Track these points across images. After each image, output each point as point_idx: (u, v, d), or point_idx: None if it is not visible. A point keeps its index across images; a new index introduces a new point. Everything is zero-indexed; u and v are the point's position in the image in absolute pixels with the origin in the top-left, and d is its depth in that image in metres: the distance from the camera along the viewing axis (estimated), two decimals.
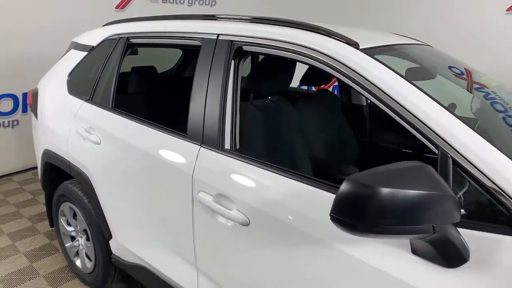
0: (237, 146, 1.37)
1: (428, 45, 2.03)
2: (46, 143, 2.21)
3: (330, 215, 0.78)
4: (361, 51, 1.11)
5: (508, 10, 4.03)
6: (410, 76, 1.68)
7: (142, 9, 4.64)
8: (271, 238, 1.15)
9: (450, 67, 1.66)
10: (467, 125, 0.91)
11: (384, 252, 0.93)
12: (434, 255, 0.84)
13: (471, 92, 1.58)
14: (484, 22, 4.21)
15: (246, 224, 1.19)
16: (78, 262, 2.25)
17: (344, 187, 0.76)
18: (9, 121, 3.77)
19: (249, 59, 1.99)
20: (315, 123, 1.90)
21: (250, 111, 1.61)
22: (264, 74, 1.66)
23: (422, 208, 0.76)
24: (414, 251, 0.88)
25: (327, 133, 1.94)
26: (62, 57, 2.37)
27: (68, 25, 3.48)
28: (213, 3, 5.13)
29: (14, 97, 3.71)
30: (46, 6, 3.62)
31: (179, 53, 3.46)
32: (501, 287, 0.79)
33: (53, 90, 2.24)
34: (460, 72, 1.64)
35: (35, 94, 2.38)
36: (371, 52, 1.12)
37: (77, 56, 2.18)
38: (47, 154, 2.18)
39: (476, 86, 1.62)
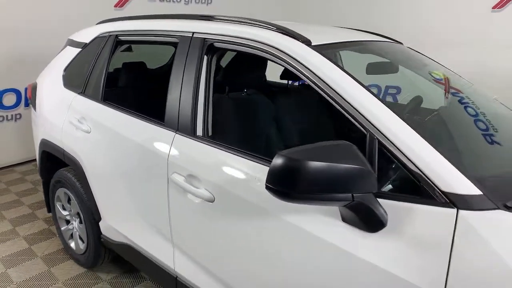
0: (209, 133, 1.52)
1: (399, 42, 2.17)
2: (43, 133, 2.37)
3: (265, 184, 0.93)
4: (311, 47, 1.25)
5: (494, 7, 4.13)
6: (370, 70, 1.83)
7: (140, 7, 4.80)
8: (232, 213, 1.30)
9: (411, 62, 1.79)
10: (393, 111, 1.05)
11: (321, 221, 1.07)
12: (358, 222, 0.99)
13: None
14: (471, 19, 4.31)
15: (211, 200, 1.34)
16: (72, 244, 2.41)
17: (276, 161, 0.91)
18: (12, 115, 3.95)
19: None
20: (290, 115, 2.04)
21: (225, 102, 1.76)
22: (236, 69, 1.81)
23: (343, 179, 0.90)
24: (344, 219, 1.02)
25: (302, 125, 2.08)
26: (59, 53, 2.53)
27: (69, 24, 3.63)
28: (209, 1, 5.27)
29: (17, 92, 3.89)
30: (48, 6, 3.79)
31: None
32: (413, 245, 0.93)
33: (50, 84, 2.41)
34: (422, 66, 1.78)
35: (34, 88, 2.55)
36: (321, 48, 1.26)
37: (72, 52, 2.34)
38: (44, 143, 2.35)
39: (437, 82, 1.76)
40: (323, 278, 1.09)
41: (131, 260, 1.97)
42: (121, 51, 2.97)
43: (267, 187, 0.93)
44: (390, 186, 1.04)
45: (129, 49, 3.07)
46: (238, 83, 1.79)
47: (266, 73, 2.17)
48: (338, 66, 1.17)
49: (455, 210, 0.89)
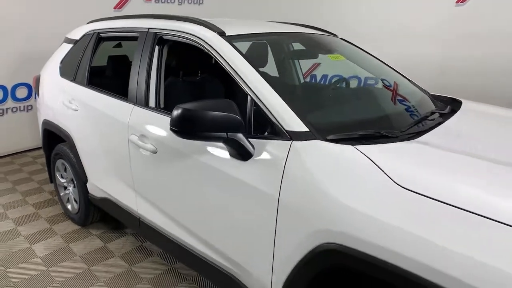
0: (161, 106, 1.99)
1: (334, 35, 2.60)
2: (44, 114, 2.90)
3: (170, 128, 1.39)
4: (223, 37, 1.71)
5: (457, 2, 4.46)
6: (294, 55, 2.27)
7: (137, 8, 5.32)
8: (169, 159, 1.77)
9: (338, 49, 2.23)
10: (266, 81, 1.49)
11: (217, 158, 1.53)
12: (235, 154, 1.44)
13: None
14: (435, 14, 4.65)
15: (155, 152, 1.81)
16: (69, 206, 2.94)
17: (174, 111, 1.36)
18: (24, 106, 4.54)
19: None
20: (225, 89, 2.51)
21: (179, 83, 2.23)
22: (181, 58, 2.28)
23: (221, 123, 1.36)
24: (230, 154, 1.48)
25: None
26: (58, 49, 3.05)
27: (72, 25, 4.15)
28: (201, 1, 5.75)
29: (28, 86, 4.46)
30: (53, 10, 4.34)
31: None
32: (268, 166, 1.37)
33: (49, 74, 2.93)
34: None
35: (37, 79, 3.08)
36: (231, 37, 1.71)
37: (66, 47, 2.86)
38: (45, 122, 2.88)
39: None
40: (219, 193, 1.54)
41: (109, 211, 2.47)
42: (113, 47, 3.50)
43: (170, 129, 1.39)
44: (258, 129, 1.48)
45: (119, 45, 3.58)
46: (189, 69, 2.26)
47: None
48: (236, 50, 1.62)
49: (290, 141, 1.33)
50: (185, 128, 1.36)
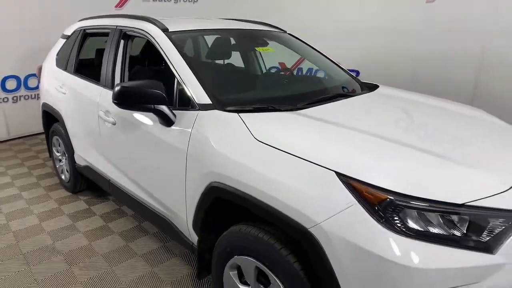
0: None
1: (284, 31, 3.02)
2: (43, 98, 3.45)
3: (112, 101, 1.86)
4: (166, 33, 2.16)
5: (428, 1, 4.76)
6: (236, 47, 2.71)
7: (137, 7, 5.83)
8: (124, 129, 2.25)
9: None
10: (188, 65, 1.94)
11: (153, 126, 1.99)
12: (162, 121, 1.89)
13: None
14: (407, 12, 4.95)
15: (114, 124, 2.30)
16: (63, 176, 3.48)
17: (116, 88, 1.83)
18: (35, 94, 5.14)
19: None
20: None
21: (144, 70, 2.71)
22: (145, 50, 2.75)
23: (149, 98, 1.81)
24: (159, 122, 1.93)
25: None
26: (56, 43, 3.59)
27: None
28: (196, 0, 6.21)
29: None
30: (62, 7, 4.89)
31: None
32: (183, 130, 1.81)
33: (48, 64, 3.47)
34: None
35: (39, 68, 3.63)
36: (172, 33, 2.16)
37: (61, 42, 3.38)
38: (44, 104, 3.42)
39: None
40: (153, 152, 2.00)
41: (90, 177, 2.98)
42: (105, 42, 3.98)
43: (113, 101, 1.85)
44: (181, 103, 1.92)
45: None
46: (150, 59, 2.74)
47: None
48: (172, 42, 2.07)
49: (198, 111, 1.78)
50: (123, 100, 1.83)
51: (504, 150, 1.60)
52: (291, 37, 2.98)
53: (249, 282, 1.62)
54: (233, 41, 2.60)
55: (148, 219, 2.37)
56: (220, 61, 2.90)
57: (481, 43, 4.28)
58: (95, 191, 3.42)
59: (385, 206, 1.17)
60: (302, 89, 2.38)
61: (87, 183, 3.33)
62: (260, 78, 2.65)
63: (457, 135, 1.69)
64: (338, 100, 2.06)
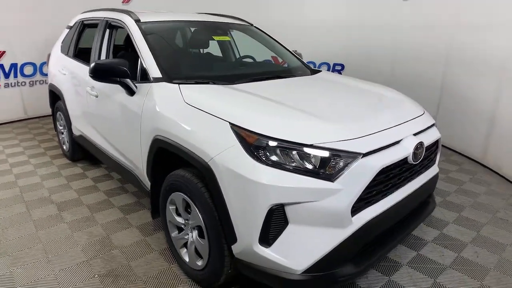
0: None
1: (250, 24, 3.49)
2: (50, 80, 4.05)
3: (88, 74, 2.38)
4: (137, 23, 2.67)
5: None
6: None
7: (143, 2, 6.38)
8: (103, 100, 2.78)
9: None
10: (151, 51, 2.44)
11: (122, 97, 2.50)
12: (126, 92, 2.40)
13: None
14: (385, 9, 5.31)
15: (96, 96, 2.84)
16: (64, 147, 4.08)
17: (91, 64, 2.35)
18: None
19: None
20: None
21: (125, 55, 3.24)
22: (127, 39, 3.28)
23: (116, 72, 2.33)
24: (125, 92, 2.44)
25: None
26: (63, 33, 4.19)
27: None
28: None
29: None
30: (74, 3, 5.50)
31: None
32: (141, 98, 2.32)
33: (55, 51, 4.06)
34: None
35: (49, 55, 4.24)
36: (142, 23, 2.67)
37: (66, 32, 3.97)
38: (50, 84, 4.03)
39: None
40: (120, 116, 2.52)
41: (83, 144, 3.55)
42: None
43: (89, 75, 2.38)
44: (142, 77, 2.42)
45: None
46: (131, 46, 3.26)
47: None
48: (140, 30, 2.58)
49: (152, 83, 2.28)
50: (96, 74, 2.35)
51: (372, 113, 2.04)
52: (257, 29, 3.46)
53: (180, 213, 2.12)
54: (193, 30, 3.12)
55: (121, 174, 2.90)
56: (196, 49, 3.42)
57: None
58: (91, 161, 3.99)
59: (255, 145, 1.64)
60: (247, 71, 2.85)
61: (83, 153, 3.90)
62: (213, 61, 3.15)
63: (343, 103, 2.15)
64: (275, 80, 2.53)
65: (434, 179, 2.23)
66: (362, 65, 5.76)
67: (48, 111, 5.85)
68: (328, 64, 6.39)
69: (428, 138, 2.04)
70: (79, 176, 3.65)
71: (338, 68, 6.32)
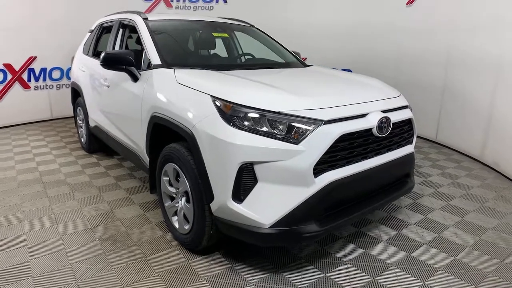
0: None
1: (252, 25, 3.78)
2: (72, 78, 4.46)
3: (99, 63, 2.70)
4: (145, 20, 3.00)
5: (407, 3, 5.26)
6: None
7: (161, 12, 6.85)
8: (113, 89, 3.10)
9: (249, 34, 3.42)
10: (153, 40, 2.74)
11: (128, 84, 2.80)
12: (131, 79, 2.70)
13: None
14: (388, 14, 5.48)
15: (108, 86, 3.17)
16: (82, 140, 4.45)
17: (102, 54, 2.67)
18: None
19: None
20: None
21: (137, 51, 3.58)
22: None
23: (122, 61, 2.63)
24: (130, 79, 2.74)
25: None
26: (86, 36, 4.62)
27: None
28: (211, 8, 7.14)
29: None
30: (96, 11, 6.00)
31: None
32: (144, 84, 2.61)
33: (78, 53, 4.49)
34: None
35: (73, 57, 4.68)
36: (149, 21, 3.00)
37: (88, 35, 4.40)
38: (72, 82, 4.44)
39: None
40: (126, 100, 2.80)
41: (97, 134, 3.89)
42: None
43: (100, 64, 2.70)
44: (145, 65, 2.72)
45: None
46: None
47: None
48: (147, 26, 2.89)
49: (153, 69, 2.57)
50: (105, 63, 2.66)
51: (342, 91, 2.25)
52: (258, 30, 3.73)
53: (172, 183, 2.35)
54: (195, 29, 3.43)
55: (127, 158, 3.18)
56: (197, 46, 3.72)
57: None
58: (105, 151, 4.33)
59: (230, 113, 1.87)
60: (241, 62, 3.11)
61: (98, 145, 4.24)
62: (212, 56, 3.44)
63: (318, 85, 2.37)
64: (265, 69, 2.77)
65: (408, 158, 2.36)
66: (367, 70, 5.92)
67: (72, 113, 6.40)
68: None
69: (397, 116, 2.20)
70: (93, 165, 3.97)
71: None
